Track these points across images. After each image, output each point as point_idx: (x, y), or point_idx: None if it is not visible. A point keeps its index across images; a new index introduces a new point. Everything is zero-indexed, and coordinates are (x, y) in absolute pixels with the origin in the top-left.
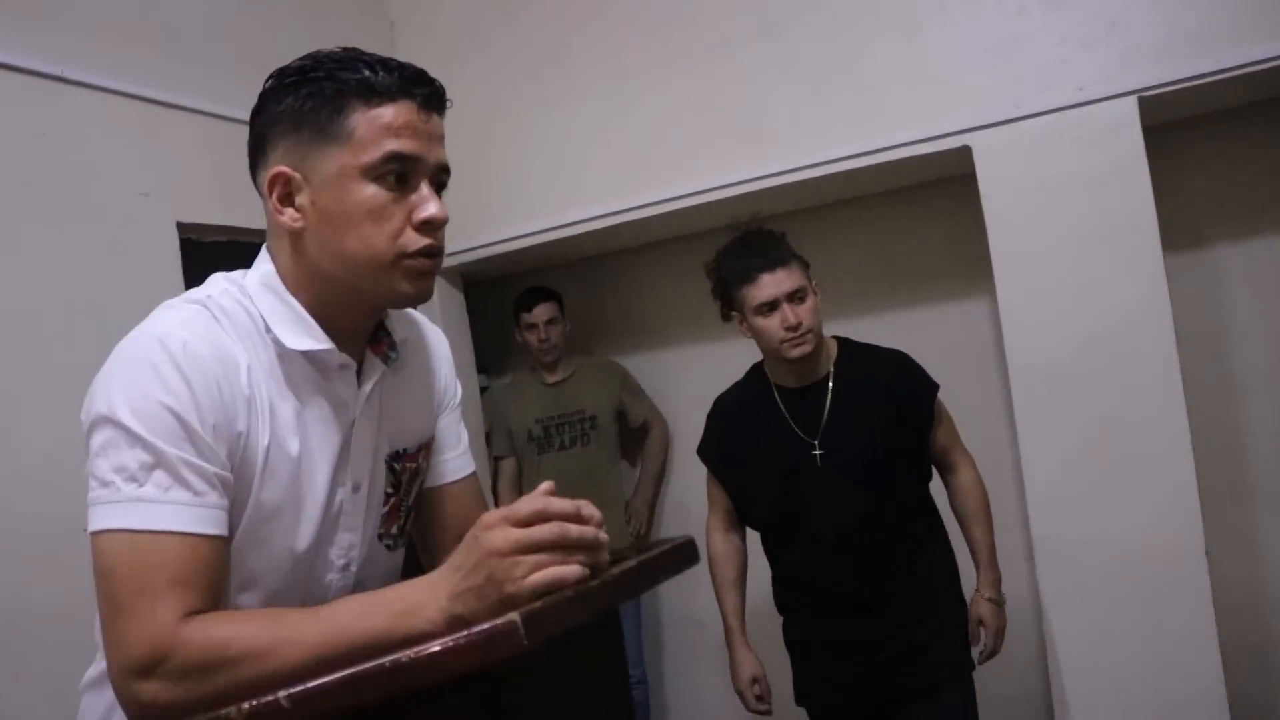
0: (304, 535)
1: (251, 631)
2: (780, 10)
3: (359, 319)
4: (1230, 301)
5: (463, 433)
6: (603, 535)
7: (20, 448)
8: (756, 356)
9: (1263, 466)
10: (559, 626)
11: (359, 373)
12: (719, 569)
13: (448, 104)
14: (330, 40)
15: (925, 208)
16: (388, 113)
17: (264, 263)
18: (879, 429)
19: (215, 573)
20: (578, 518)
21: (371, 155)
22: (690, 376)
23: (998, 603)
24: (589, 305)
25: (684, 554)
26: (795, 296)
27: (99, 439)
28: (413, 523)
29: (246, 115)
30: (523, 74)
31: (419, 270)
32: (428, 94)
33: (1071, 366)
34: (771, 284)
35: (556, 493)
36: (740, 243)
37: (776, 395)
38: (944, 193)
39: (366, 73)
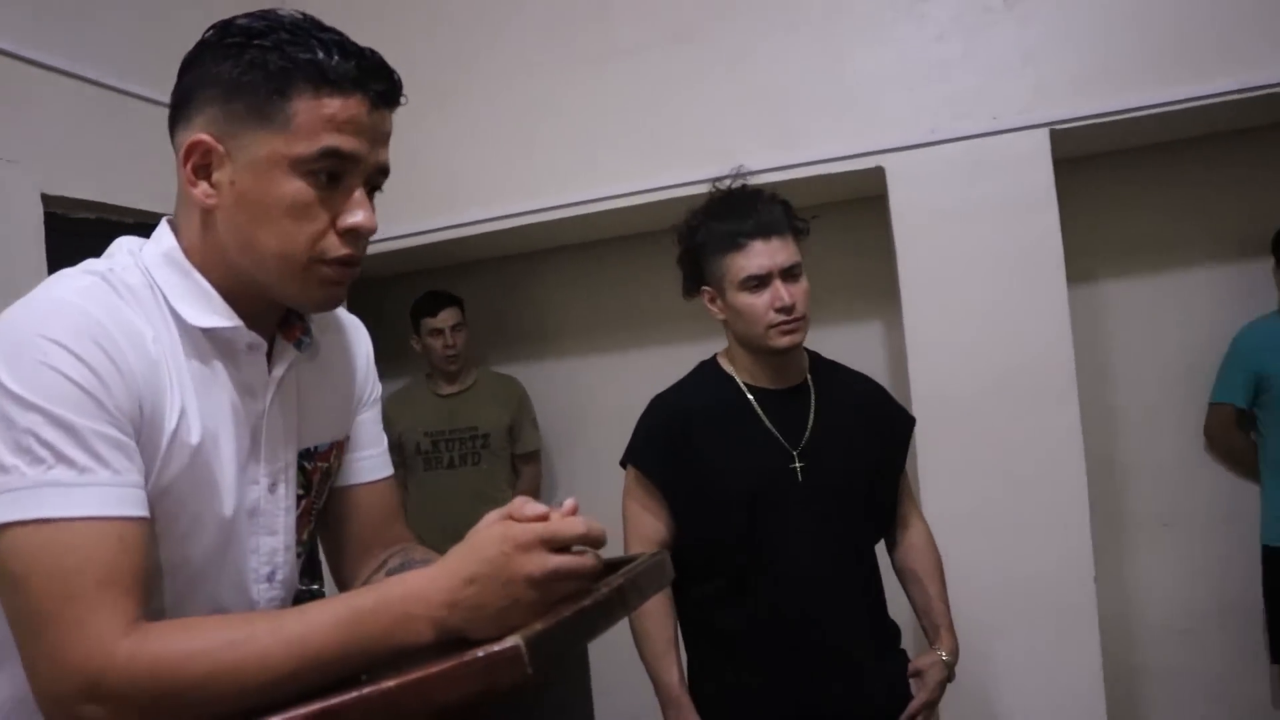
0: (209, 536)
1: (211, 646)
2: (697, 16)
3: (267, 304)
4: (1117, 336)
5: (382, 433)
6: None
7: None
8: (673, 369)
9: (1140, 497)
10: (562, 651)
11: (269, 357)
12: (655, 623)
13: (402, 101)
14: (225, 12)
15: (833, 227)
16: (334, 104)
17: (165, 234)
18: (862, 451)
19: (149, 563)
20: (602, 542)
21: (307, 148)
22: (589, 390)
23: (951, 675)
24: (486, 312)
25: (663, 571)
26: (790, 273)
27: None
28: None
29: (130, 86)
30: (424, 65)
31: (332, 279)
32: (384, 90)
33: (974, 394)
34: (765, 253)
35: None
36: (727, 202)
37: (749, 394)
38: (852, 213)
39: (321, 54)
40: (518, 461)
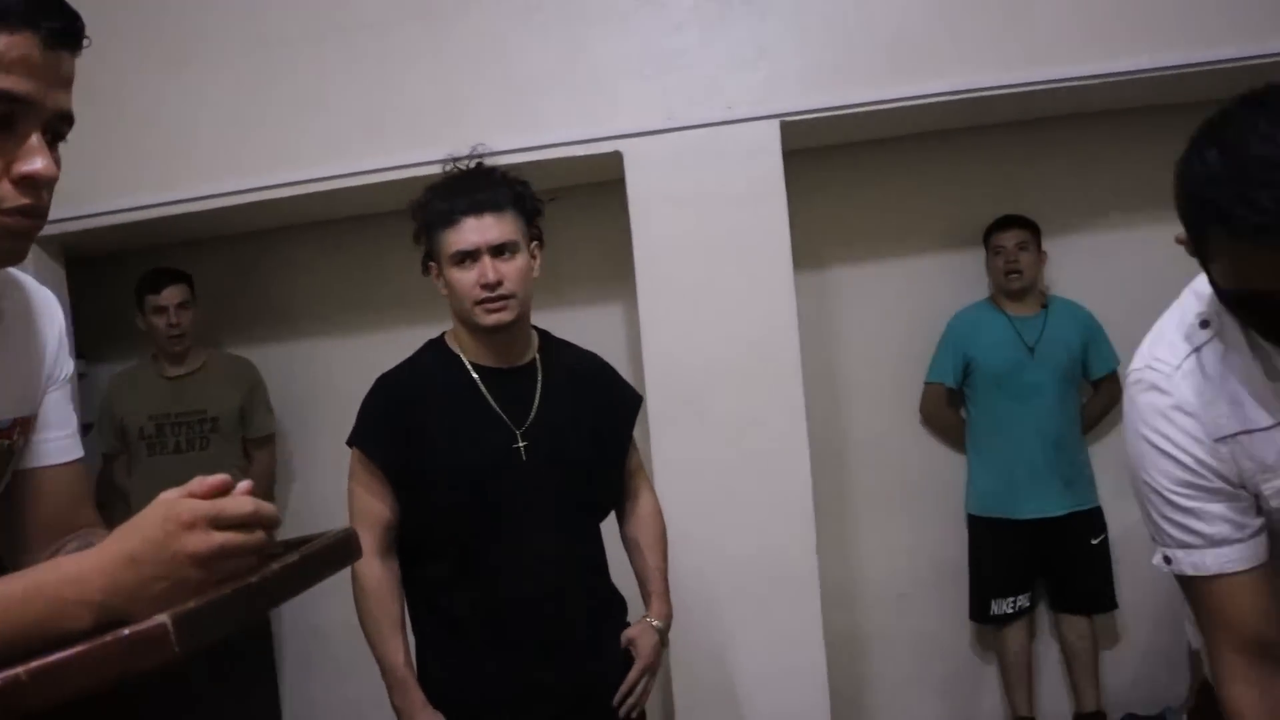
0: None
1: None
2: None
3: None
4: (841, 320)
5: (73, 414)
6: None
7: None
8: (413, 350)
9: (862, 472)
10: (216, 631)
11: None
12: (380, 605)
13: (85, 42)
14: None
15: (576, 210)
16: (0, 42)
17: None
18: (588, 430)
19: None
20: (275, 522)
21: None
22: (328, 372)
23: (664, 640)
24: (220, 291)
25: (346, 548)
26: (501, 250)
27: None
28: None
29: None
30: (154, 31)
31: (11, 230)
32: (59, 28)
33: (705, 374)
34: (474, 230)
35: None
36: (452, 179)
37: (474, 373)
38: (595, 197)
39: None
40: (250, 446)
